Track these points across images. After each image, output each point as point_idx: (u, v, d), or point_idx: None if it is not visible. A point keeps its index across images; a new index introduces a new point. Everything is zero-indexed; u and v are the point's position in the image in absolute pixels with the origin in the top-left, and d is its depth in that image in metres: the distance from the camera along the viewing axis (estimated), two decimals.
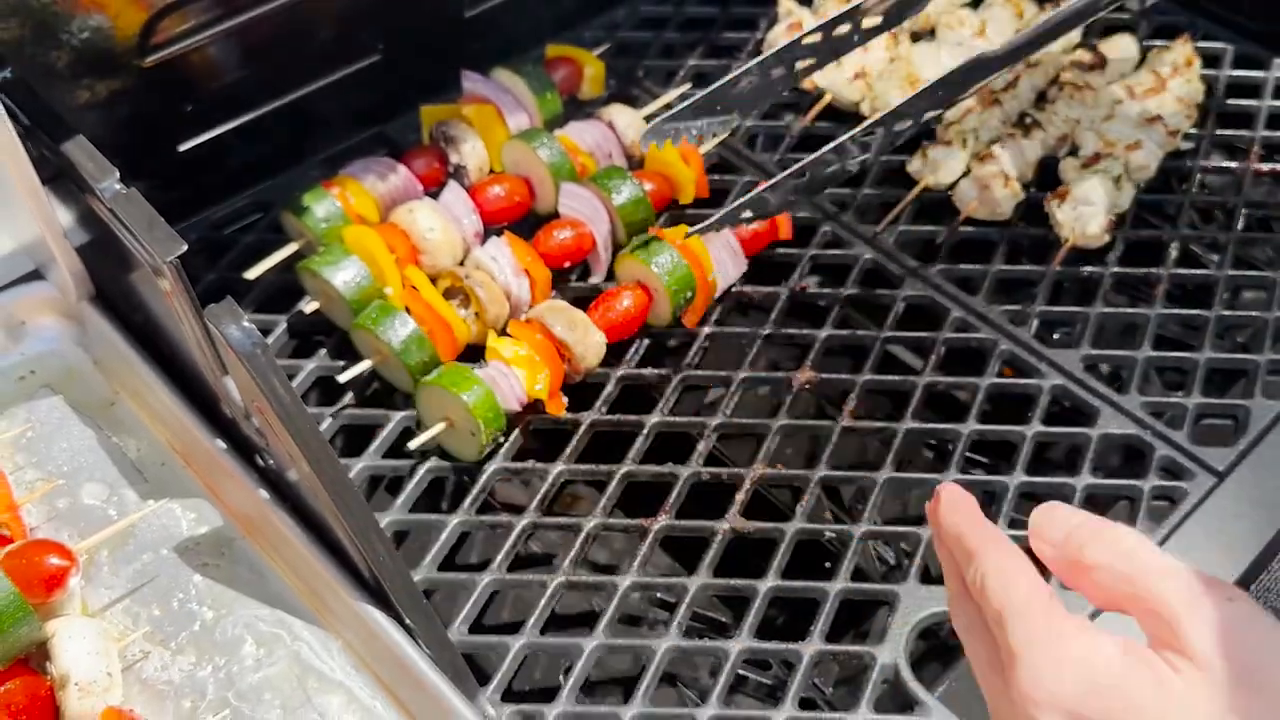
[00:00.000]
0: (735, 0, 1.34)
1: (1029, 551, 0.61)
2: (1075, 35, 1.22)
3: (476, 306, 0.98)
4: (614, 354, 0.99)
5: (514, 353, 0.93)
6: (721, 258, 1.03)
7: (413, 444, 0.92)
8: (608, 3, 1.33)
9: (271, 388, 0.68)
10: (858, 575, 0.87)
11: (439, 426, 0.92)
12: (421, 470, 0.93)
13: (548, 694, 0.81)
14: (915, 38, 1.26)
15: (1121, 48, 1.21)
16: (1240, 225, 1.11)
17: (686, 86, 1.23)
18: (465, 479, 0.93)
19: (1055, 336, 1.05)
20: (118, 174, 0.78)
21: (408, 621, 0.77)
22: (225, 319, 0.68)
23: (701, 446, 0.95)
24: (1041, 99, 1.18)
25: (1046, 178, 1.13)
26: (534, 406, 0.96)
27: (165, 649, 0.80)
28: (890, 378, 1.00)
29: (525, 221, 1.09)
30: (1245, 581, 0.87)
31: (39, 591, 0.75)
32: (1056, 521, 0.62)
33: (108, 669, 0.74)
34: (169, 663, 0.79)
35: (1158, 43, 1.24)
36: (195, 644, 0.80)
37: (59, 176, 0.89)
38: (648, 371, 1.00)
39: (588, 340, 0.95)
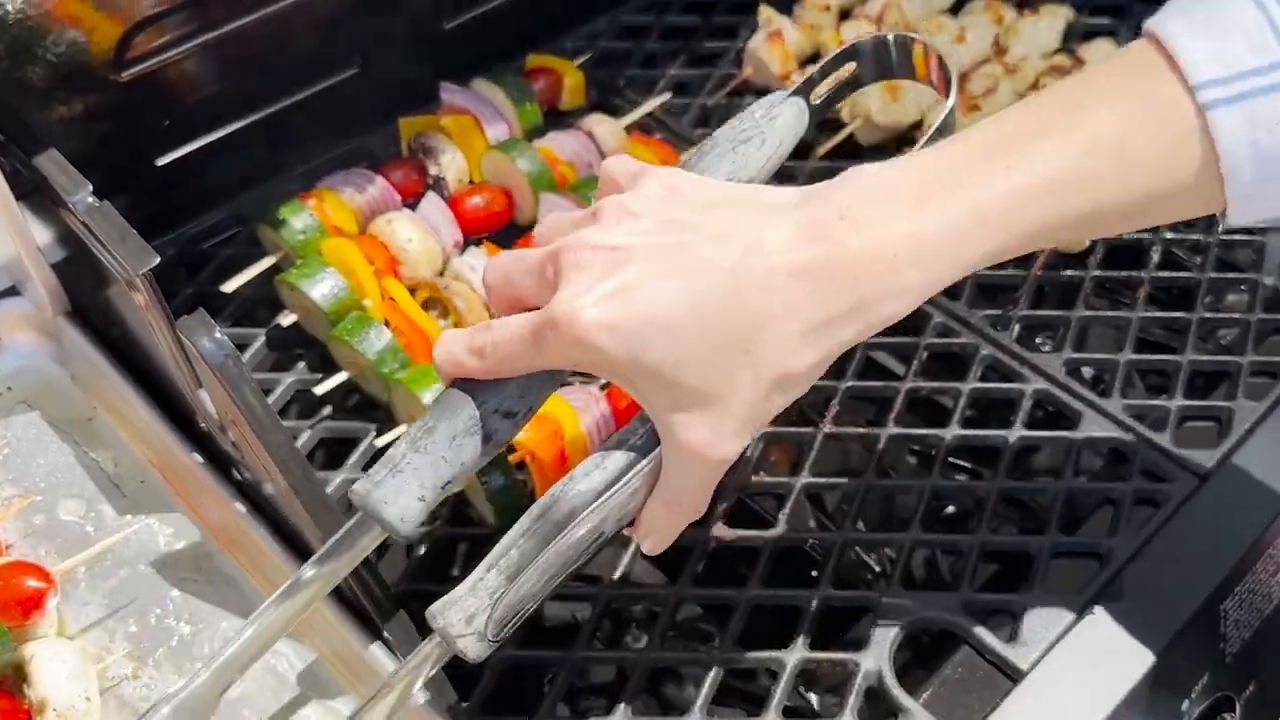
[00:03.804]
0: (717, 9, 1.35)
1: None
2: (1054, 40, 1.23)
3: (455, 317, 0.98)
4: None
5: None
6: None
7: (379, 441, 0.92)
8: (589, 13, 1.33)
9: (244, 398, 0.68)
10: (841, 582, 0.87)
11: (404, 427, 0.92)
12: None
13: (530, 705, 0.81)
14: None
15: (1101, 52, 1.21)
16: (1221, 228, 1.11)
17: (667, 96, 1.23)
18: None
19: (1037, 340, 1.05)
20: (90, 187, 0.77)
21: (386, 635, 0.77)
22: (197, 331, 0.68)
23: None
24: None
25: None
26: None
27: (143, 665, 0.79)
28: (873, 384, 0.99)
29: (505, 232, 1.09)
30: (1229, 584, 0.87)
31: (15, 615, 0.75)
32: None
33: (86, 693, 0.73)
34: (146, 679, 0.78)
35: None
36: (172, 659, 0.79)
37: (33, 192, 0.88)
38: None
39: None
